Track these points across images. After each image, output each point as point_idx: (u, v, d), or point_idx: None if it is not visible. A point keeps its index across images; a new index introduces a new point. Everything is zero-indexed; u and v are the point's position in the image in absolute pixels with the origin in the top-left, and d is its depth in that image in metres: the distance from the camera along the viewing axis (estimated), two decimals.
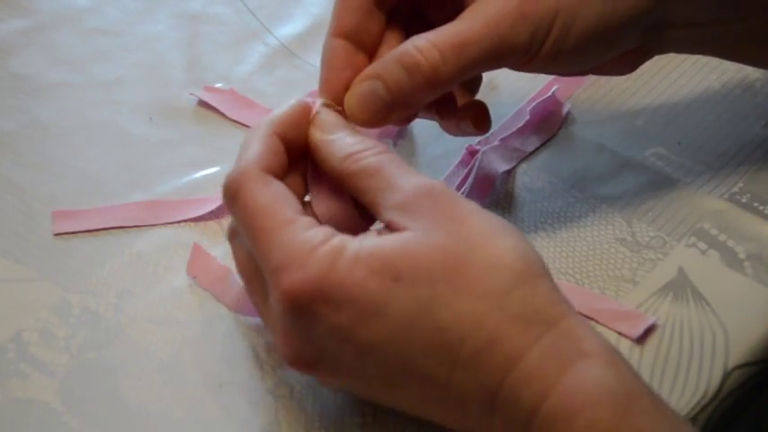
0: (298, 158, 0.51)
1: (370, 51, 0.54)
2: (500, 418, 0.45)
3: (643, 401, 0.43)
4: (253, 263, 0.49)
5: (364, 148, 0.49)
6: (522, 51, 0.52)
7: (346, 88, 0.52)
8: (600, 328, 0.55)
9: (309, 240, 0.46)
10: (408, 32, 0.53)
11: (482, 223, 0.46)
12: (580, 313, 0.54)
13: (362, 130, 0.52)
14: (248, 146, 0.50)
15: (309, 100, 0.52)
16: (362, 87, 0.52)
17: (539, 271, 0.46)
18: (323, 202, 0.51)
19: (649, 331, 0.55)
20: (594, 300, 0.56)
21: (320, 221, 0.49)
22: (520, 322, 0.44)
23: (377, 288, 0.45)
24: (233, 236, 0.51)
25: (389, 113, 0.52)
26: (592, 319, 0.55)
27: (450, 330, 0.45)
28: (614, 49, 0.55)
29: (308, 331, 0.46)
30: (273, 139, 0.50)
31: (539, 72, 0.56)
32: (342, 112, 0.52)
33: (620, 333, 0.55)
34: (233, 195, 0.48)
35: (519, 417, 0.44)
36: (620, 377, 0.44)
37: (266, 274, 0.47)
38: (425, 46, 0.51)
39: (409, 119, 0.56)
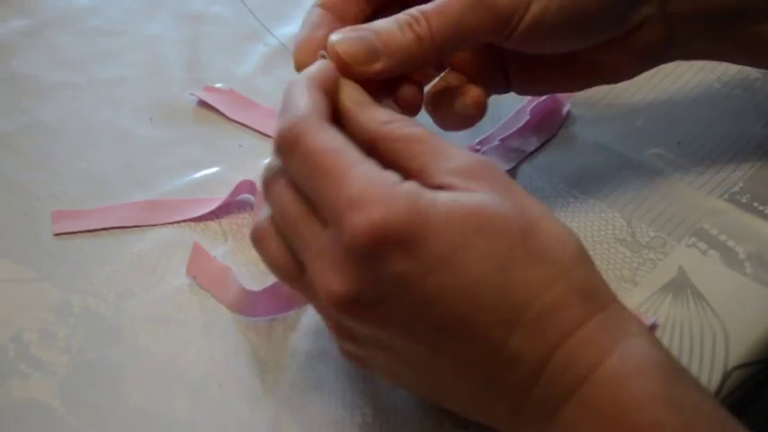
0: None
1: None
2: (542, 386, 0.45)
3: (687, 378, 0.45)
4: (297, 206, 0.47)
5: (403, 118, 0.49)
6: (504, 17, 0.53)
7: (320, 46, 0.52)
8: None
9: (388, 178, 0.45)
10: None
11: (537, 203, 0.47)
12: None
13: None
14: (294, 97, 0.48)
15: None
16: (353, 32, 0.52)
17: (587, 257, 0.47)
18: None
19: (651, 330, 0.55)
20: None
21: None
22: (580, 295, 0.46)
23: (457, 235, 0.45)
24: (272, 182, 0.49)
25: (376, 60, 0.51)
26: None
27: (518, 290, 0.45)
28: (602, 21, 0.55)
29: (377, 270, 0.45)
30: (318, 91, 0.49)
31: (524, 49, 0.55)
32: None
33: None
34: (293, 141, 0.46)
35: (569, 381, 0.45)
36: (666, 355, 0.46)
37: (335, 210, 0.45)
38: (413, 11, 0.52)
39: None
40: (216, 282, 0.57)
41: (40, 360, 0.54)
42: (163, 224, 0.60)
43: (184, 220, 0.60)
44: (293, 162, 0.47)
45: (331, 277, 0.45)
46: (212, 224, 0.60)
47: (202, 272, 0.57)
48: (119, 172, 0.63)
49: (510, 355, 0.45)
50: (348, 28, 0.52)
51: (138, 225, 0.60)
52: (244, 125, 0.65)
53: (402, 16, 0.52)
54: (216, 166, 0.63)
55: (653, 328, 0.55)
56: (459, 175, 0.47)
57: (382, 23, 0.52)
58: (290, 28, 0.70)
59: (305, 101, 0.48)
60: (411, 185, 0.45)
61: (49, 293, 0.57)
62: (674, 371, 0.45)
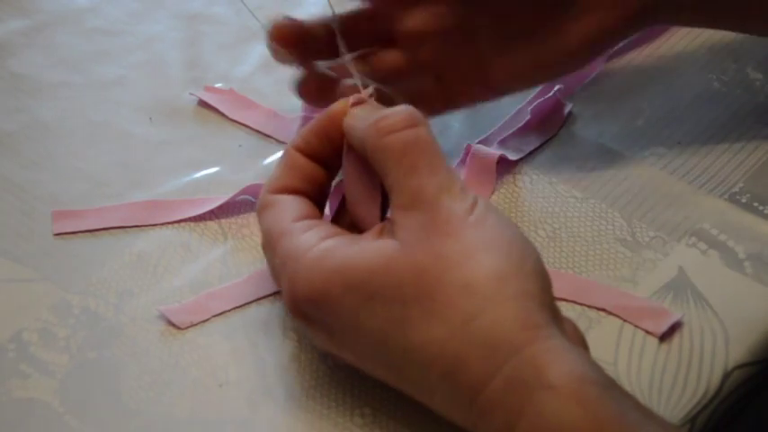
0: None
1: None
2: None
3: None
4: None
5: (396, 114, 0.49)
6: None
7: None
8: (625, 326, 0.55)
9: (297, 247, 0.49)
10: None
11: (471, 237, 0.46)
12: (604, 310, 0.55)
13: None
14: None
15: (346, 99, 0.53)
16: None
17: (513, 292, 0.45)
18: (351, 186, 0.52)
19: (675, 328, 0.55)
20: (619, 296, 0.56)
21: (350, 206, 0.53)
22: (484, 348, 0.44)
23: (353, 304, 0.47)
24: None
25: None
26: (616, 315, 0.55)
27: (419, 352, 0.46)
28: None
29: (305, 326, 0.50)
30: (290, 153, 0.53)
31: None
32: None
33: (646, 331, 0.55)
34: (258, 213, 0.53)
35: None
36: (584, 410, 0.43)
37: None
38: None
39: None
40: (206, 307, 0.56)
41: (40, 360, 0.54)
42: (163, 224, 0.60)
43: (184, 220, 0.60)
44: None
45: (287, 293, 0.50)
46: (212, 224, 0.60)
47: (191, 315, 0.56)
48: (119, 172, 0.63)
49: (439, 405, 0.46)
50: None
51: (138, 225, 0.60)
52: (244, 125, 0.65)
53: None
54: (216, 166, 0.63)
55: (678, 325, 0.55)
56: (400, 211, 0.48)
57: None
58: None
59: (272, 174, 0.53)
60: (319, 251, 0.48)
61: (49, 293, 0.57)
62: (596, 428, 0.42)
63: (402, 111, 0.49)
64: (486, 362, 0.44)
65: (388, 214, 0.49)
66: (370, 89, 0.53)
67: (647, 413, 0.45)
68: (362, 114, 0.51)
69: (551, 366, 0.43)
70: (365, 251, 0.47)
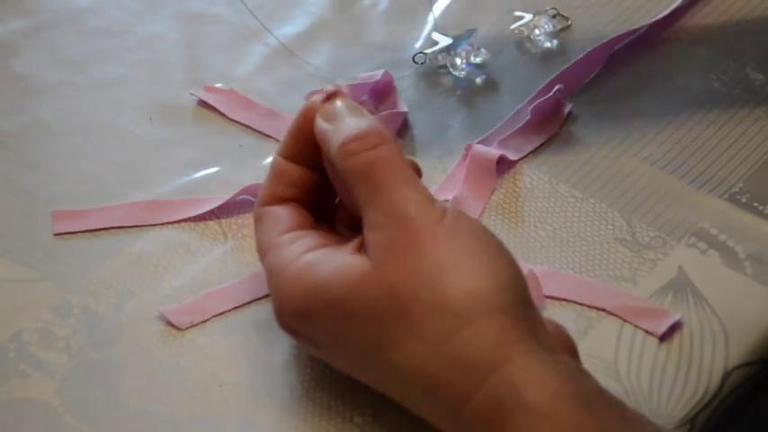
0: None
1: None
2: None
3: None
4: None
5: (361, 135, 0.49)
6: None
7: None
8: (625, 326, 0.55)
9: (281, 261, 0.50)
10: None
11: (441, 252, 0.46)
12: (604, 310, 0.55)
13: None
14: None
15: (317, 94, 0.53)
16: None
17: (486, 308, 0.45)
18: (335, 182, 0.52)
19: (675, 328, 0.55)
20: (619, 296, 0.56)
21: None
22: (460, 368, 0.44)
23: (334, 320, 0.47)
24: None
25: None
26: (616, 315, 0.55)
27: (400, 369, 0.46)
28: None
29: (294, 338, 0.52)
30: (276, 161, 0.53)
31: None
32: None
33: (645, 331, 0.55)
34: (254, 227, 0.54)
35: None
36: (560, 429, 0.43)
37: None
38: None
39: None
40: (206, 308, 0.56)
41: (40, 360, 0.54)
42: (163, 224, 0.60)
43: (184, 220, 0.60)
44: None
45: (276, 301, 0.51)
46: (212, 224, 0.60)
47: (191, 315, 0.56)
48: (119, 172, 0.63)
49: (425, 417, 0.46)
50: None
51: (138, 225, 0.60)
52: (244, 125, 0.65)
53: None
54: (216, 166, 0.63)
55: (678, 325, 0.55)
56: (372, 230, 0.47)
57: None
58: (290, 28, 0.70)
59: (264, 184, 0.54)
60: (300, 264, 0.49)
61: (49, 293, 0.57)
62: None
63: (367, 131, 0.49)
64: (465, 381, 0.44)
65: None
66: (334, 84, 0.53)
67: (634, 422, 0.45)
68: (332, 115, 0.51)
69: (527, 385, 0.43)
70: (341, 269, 0.47)
